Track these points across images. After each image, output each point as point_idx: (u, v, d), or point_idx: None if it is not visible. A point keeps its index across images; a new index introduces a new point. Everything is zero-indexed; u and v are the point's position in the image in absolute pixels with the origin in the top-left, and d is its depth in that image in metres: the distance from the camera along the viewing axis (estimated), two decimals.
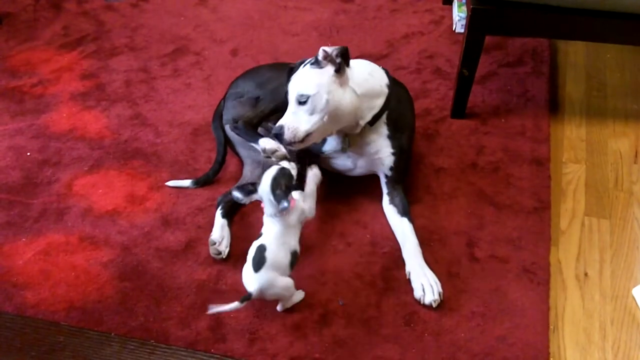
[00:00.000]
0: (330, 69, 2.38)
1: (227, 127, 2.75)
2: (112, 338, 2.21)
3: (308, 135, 2.40)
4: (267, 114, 2.63)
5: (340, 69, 2.38)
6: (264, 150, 2.46)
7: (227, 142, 2.77)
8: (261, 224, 2.38)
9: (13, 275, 2.39)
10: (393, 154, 2.54)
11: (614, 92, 3.19)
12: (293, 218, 2.25)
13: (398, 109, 2.56)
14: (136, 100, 3.09)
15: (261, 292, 2.17)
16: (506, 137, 2.90)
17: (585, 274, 2.43)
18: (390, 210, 2.56)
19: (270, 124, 2.61)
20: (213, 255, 2.43)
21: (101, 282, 2.37)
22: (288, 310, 2.27)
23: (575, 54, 3.41)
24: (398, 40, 3.46)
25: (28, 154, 2.84)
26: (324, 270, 2.41)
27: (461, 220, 2.58)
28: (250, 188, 2.27)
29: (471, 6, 2.69)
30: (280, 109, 2.51)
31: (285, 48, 3.39)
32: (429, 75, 3.22)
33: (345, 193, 2.67)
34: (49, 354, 2.19)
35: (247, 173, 2.69)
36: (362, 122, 2.48)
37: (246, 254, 2.30)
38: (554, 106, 3.09)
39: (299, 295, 2.31)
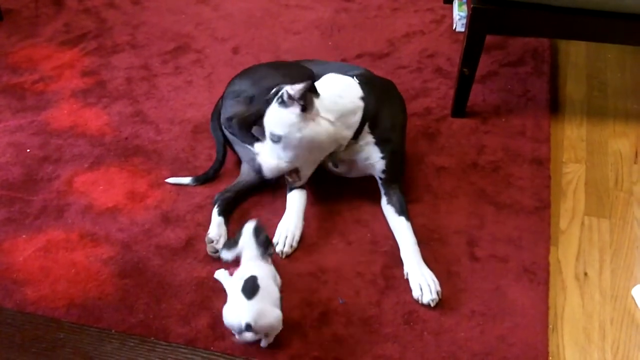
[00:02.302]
0: (296, 109, 2.35)
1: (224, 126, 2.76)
2: (112, 335, 2.22)
3: (298, 171, 2.45)
4: (261, 113, 2.63)
5: (307, 108, 2.36)
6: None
7: (226, 141, 2.77)
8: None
9: (13, 272, 2.40)
10: (383, 157, 2.53)
11: (615, 92, 3.20)
12: (270, 268, 2.26)
13: (380, 114, 2.52)
14: (137, 98, 3.09)
15: (255, 322, 2.07)
16: (507, 137, 2.90)
17: (585, 274, 2.43)
18: (388, 210, 2.56)
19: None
20: (210, 254, 2.43)
21: (101, 279, 2.37)
22: (287, 308, 2.26)
23: (576, 54, 3.41)
24: (399, 39, 3.46)
25: (28, 150, 2.84)
26: (325, 268, 2.41)
27: (461, 220, 2.58)
28: (232, 243, 2.28)
29: (472, 5, 2.69)
30: None
31: (287, 46, 3.39)
32: (429, 74, 3.23)
33: (345, 192, 2.67)
34: (49, 351, 2.19)
35: (245, 170, 2.69)
36: (345, 142, 2.48)
37: None
38: (555, 106, 3.09)
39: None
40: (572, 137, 2.95)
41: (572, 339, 2.24)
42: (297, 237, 2.49)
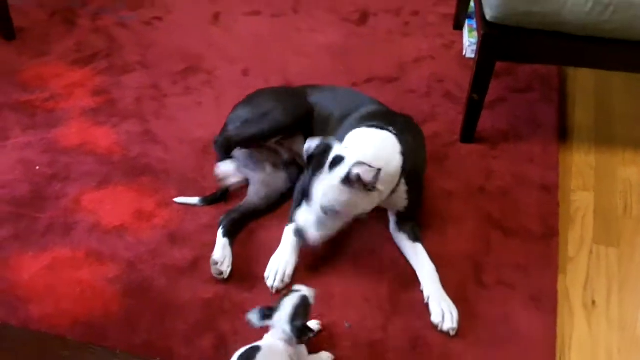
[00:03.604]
0: (360, 188, 2.28)
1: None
2: (116, 354, 2.21)
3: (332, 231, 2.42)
4: (247, 137, 2.67)
5: (371, 190, 2.30)
6: (216, 172, 2.56)
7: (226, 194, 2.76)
8: (265, 245, 2.44)
9: (18, 289, 2.39)
10: (407, 198, 2.53)
11: (623, 119, 3.19)
12: (299, 351, 2.09)
13: (413, 164, 2.50)
14: (146, 117, 3.10)
15: None
16: (515, 163, 2.90)
17: (593, 302, 2.42)
18: (401, 237, 2.55)
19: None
20: (215, 275, 2.42)
21: (106, 298, 2.37)
22: None
23: (585, 81, 3.41)
24: (408, 64, 3.46)
25: (37, 167, 2.84)
26: (332, 292, 2.40)
27: (469, 245, 2.57)
28: (267, 312, 2.08)
29: (482, 32, 2.70)
30: (264, 137, 2.64)
31: (297, 70, 3.40)
32: (438, 99, 3.23)
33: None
34: None
35: (252, 193, 2.69)
36: (384, 199, 2.44)
37: (250, 273, 2.37)
38: (563, 133, 3.09)
39: None
40: (580, 164, 2.95)
41: None
42: (288, 272, 2.44)
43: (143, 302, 2.36)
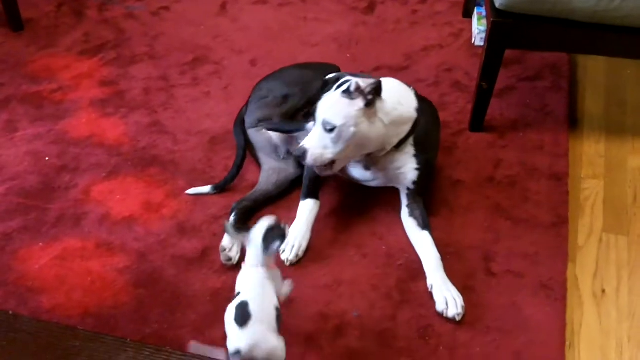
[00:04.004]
0: (360, 102, 2.35)
1: (251, 131, 2.78)
2: (127, 344, 2.22)
3: (333, 162, 2.42)
4: (300, 107, 2.69)
5: (371, 104, 2.36)
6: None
7: (248, 147, 2.78)
8: None
9: (29, 280, 2.40)
10: (417, 169, 2.54)
11: (634, 108, 3.18)
12: (273, 274, 2.12)
13: (425, 130, 2.56)
14: (155, 108, 3.10)
15: (251, 348, 1.95)
16: (524, 152, 2.89)
17: (603, 291, 2.41)
18: (410, 223, 2.55)
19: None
20: (224, 262, 2.43)
21: (117, 289, 2.38)
22: (302, 321, 2.26)
23: (595, 70, 3.40)
24: (417, 53, 3.45)
25: (46, 159, 2.85)
26: (340, 281, 2.40)
27: (477, 234, 2.57)
28: (242, 227, 2.24)
29: (491, 19, 2.69)
30: (313, 102, 2.53)
31: (304, 59, 3.38)
32: (447, 88, 3.22)
33: (361, 204, 2.66)
34: (64, 358, 2.19)
35: (264, 179, 2.70)
36: (389, 147, 2.49)
37: None
38: (573, 121, 3.08)
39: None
40: (590, 153, 2.94)
41: (589, 356, 2.22)
42: (303, 247, 2.48)
43: (153, 293, 2.37)
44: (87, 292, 2.37)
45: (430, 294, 2.35)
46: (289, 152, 2.72)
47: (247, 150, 2.76)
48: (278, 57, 3.41)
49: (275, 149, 2.74)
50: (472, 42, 3.52)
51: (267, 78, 2.89)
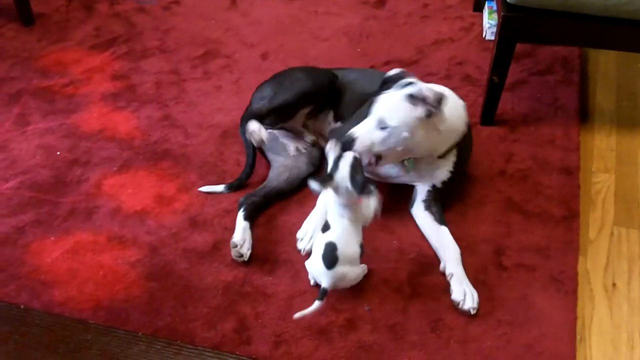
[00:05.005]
0: (421, 110, 2.36)
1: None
2: (139, 337, 2.23)
3: (379, 157, 2.43)
4: (275, 107, 2.68)
5: (431, 115, 2.37)
6: (249, 133, 2.58)
7: (249, 174, 2.76)
8: (285, 228, 2.48)
9: (41, 273, 2.41)
10: (451, 172, 2.58)
11: None
12: (362, 212, 2.28)
13: (467, 140, 2.61)
14: (166, 102, 3.11)
15: (335, 286, 2.25)
16: (535, 145, 2.89)
17: (614, 284, 2.41)
18: (425, 217, 2.55)
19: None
20: (235, 258, 2.43)
21: (128, 282, 2.39)
22: (314, 314, 2.26)
23: (606, 64, 3.39)
24: (428, 47, 3.45)
25: (58, 153, 2.86)
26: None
27: (489, 228, 2.57)
28: (326, 178, 2.24)
29: (502, 13, 2.69)
30: (291, 105, 2.64)
31: (315, 53, 3.40)
32: (458, 82, 3.21)
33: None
34: (76, 352, 2.20)
35: (274, 176, 2.70)
36: (435, 155, 2.52)
37: (270, 256, 2.40)
38: (584, 115, 3.07)
39: (364, 270, 2.37)
40: (601, 146, 2.93)
41: (600, 349, 2.22)
42: None
43: (165, 286, 2.38)
44: (99, 285, 2.37)
45: (444, 288, 2.35)
46: (297, 149, 2.73)
47: (255, 148, 2.75)
48: (289, 51, 3.41)
49: (283, 146, 2.74)
50: (483, 36, 3.51)
51: (268, 79, 2.87)
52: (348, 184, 2.20)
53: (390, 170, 2.60)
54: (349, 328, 2.25)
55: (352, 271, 2.28)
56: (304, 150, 2.74)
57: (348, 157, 2.25)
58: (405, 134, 2.37)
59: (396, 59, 3.35)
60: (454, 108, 2.51)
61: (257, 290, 2.36)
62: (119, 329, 2.25)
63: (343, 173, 2.22)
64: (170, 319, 2.28)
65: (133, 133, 2.95)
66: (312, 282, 2.36)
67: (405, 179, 2.61)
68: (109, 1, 3.78)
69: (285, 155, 2.73)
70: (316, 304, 2.19)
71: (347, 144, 2.37)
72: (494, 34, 3.22)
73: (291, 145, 2.75)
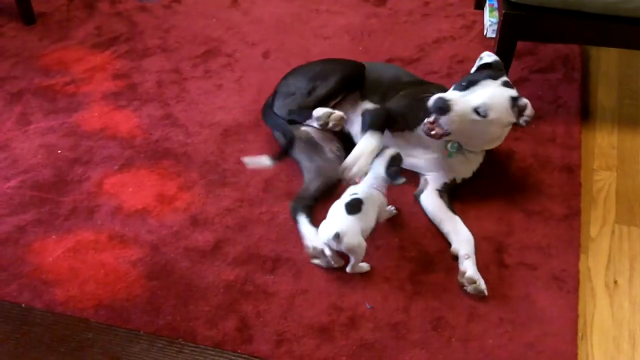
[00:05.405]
0: (513, 117, 2.45)
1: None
2: (140, 336, 2.23)
3: (447, 134, 2.47)
4: (322, 98, 2.70)
5: (517, 124, 2.46)
6: (318, 118, 2.56)
7: (291, 148, 2.73)
8: (287, 227, 2.51)
9: (42, 272, 2.41)
10: (474, 171, 2.64)
11: None
12: (383, 200, 2.46)
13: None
14: (167, 101, 3.11)
15: (344, 235, 2.29)
16: (537, 144, 2.89)
17: (615, 282, 2.41)
18: (438, 204, 2.58)
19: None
20: (323, 265, 2.42)
21: (130, 281, 2.39)
22: (315, 313, 2.27)
23: (607, 61, 3.39)
24: (429, 45, 3.45)
25: (59, 152, 2.86)
26: (353, 273, 2.40)
27: (490, 226, 2.57)
28: (396, 168, 2.45)
29: (503, 11, 2.69)
30: (334, 94, 2.69)
31: (317, 51, 3.39)
32: (459, 80, 3.20)
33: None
34: (77, 351, 2.20)
35: (312, 178, 2.68)
36: (476, 150, 2.60)
37: (272, 254, 2.41)
38: (585, 113, 3.07)
39: (365, 266, 2.40)
40: (603, 144, 2.93)
41: (602, 347, 2.22)
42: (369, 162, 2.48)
43: (166, 285, 2.37)
44: (100, 284, 2.38)
45: (445, 287, 2.36)
46: (332, 151, 2.74)
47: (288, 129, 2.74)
48: (290, 49, 3.41)
49: (318, 148, 2.74)
50: (484, 34, 3.51)
51: (293, 74, 2.89)
52: (382, 171, 2.44)
53: (418, 162, 2.67)
54: (350, 326, 2.25)
55: (360, 236, 2.33)
56: (337, 152, 2.73)
57: (388, 152, 2.47)
58: (491, 128, 2.46)
59: (398, 57, 3.35)
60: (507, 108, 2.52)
61: (258, 289, 2.36)
62: (121, 328, 2.25)
63: (380, 164, 2.45)
64: (171, 317, 2.28)
65: (134, 132, 2.95)
66: (310, 250, 2.41)
67: (427, 169, 2.66)
68: (110, 0, 3.78)
69: (322, 156, 2.72)
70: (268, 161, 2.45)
71: (441, 109, 2.40)
72: (495, 32, 3.22)
73: (326, 147, 2.74)
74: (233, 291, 2.35)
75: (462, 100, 2.42)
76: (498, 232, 2.55)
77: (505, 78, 2.49)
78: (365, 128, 2.53)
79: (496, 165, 2.79)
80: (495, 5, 3.43)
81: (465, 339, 2.22)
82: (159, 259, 2.46)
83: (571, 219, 2.59)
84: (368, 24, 3.60)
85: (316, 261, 2.42)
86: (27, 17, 3.57)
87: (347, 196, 2.40)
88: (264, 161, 2.65)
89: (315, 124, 2.64)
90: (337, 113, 2.57)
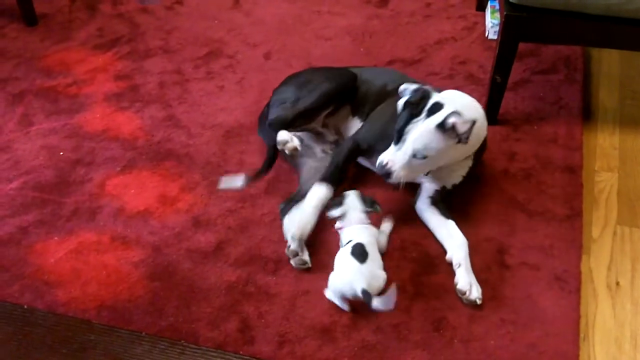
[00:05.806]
0: (454, 138, 2.36)
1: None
2: (142, 337, 2.23)
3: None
4: (301, 111, 2.68)
5: (462, 141, 2.39)
6: (278, 143, 2.55)
7: (279, 151, 2.70)
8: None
9: (44, 274, 2.42)
10: (464, 176, 2.59)
11: None
12: (373, 231, 2.44)
13: (483, 145, 2.60)
14: (169, 102, 3.11)
15: (369, 287, 2.23)
16: (538, 144, 2.89)
17: (617, 283, 2.41)
18: (432, 212, 2.56)
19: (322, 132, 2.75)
20: (298, 267, 2.43)
21: (132, 282, 2.39)
22: (317, 314, 2.27)
23: (609, 62, 3.39)
24: (431, 46, 3.45)
25: (61, 153, 2.86)
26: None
27: (492, 227, 2.57)
28: (339, 200, 2.47)
29: (505, 13, 2.68)
30: (316, 108, 2.66)
31: (318, 53, 3.40)
32: (461, 81, 3.21)
33: (374, 197, 2.65)
34: (79, 352, 2.20)
35: (306, 179, 2.67)
36: (458, 159, 2.54)
37: (274, 256, 2.41)
38: (587, 114, 3.07)
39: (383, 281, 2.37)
40: (604, 145, 2.93)
41: (603, 348, 2.22)
42: (307, 232, 2.45)
43: (168, 286, 2.38)
44: (102, 285, 2.38)
45: (446, 288, 2.36)
46: (324, 151, 2.74)
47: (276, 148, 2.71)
48: (292, 51, 3.41)
49: (309, 149, 2.75)
50: (486, 35, 3.51)
51: (286, 81, 2.89)
52: (360, 206, 2.45)
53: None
54: (352, 328, 2.25)
55: (381, 274, 2.32)
56: (329, 151, 2.73)
57: (352, 192, 2.50)
58: (443, 157, 2.42)
59: (399, 58, 3.35)
60: (481, 122, 2.49)
61: (260, 290, 2.36)
62: (123, 329, 2.25)
63: (351, 199, 2.47)
64: (173, 318, 2.28)
65: (136, 133, 2.95)
66: (337, 302, 2.32)
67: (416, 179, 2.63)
68: (112, 1, 3.79)
69: (313, 157, 2.72)
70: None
71: (386, 174, 2.41)
72: (496, 33, 3.22)
73: (317, 147, 2.74)
74: (235, 292, 2.35)
75: (397, 156, 2.40)
76: (500, 232, 2.55)
77: (427, 105, 2.40)
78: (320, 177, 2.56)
79: (497, 166, 2.79)
80: (497, 6, 3.44)
81: (466, 339, 2.22)
82: (161, 260, 2.46)
83: (573, 220, 2.59)
84: (370, 25, 3.60)
85: (292, 261, 2.42)
86: (29, 18, 3.58)
87: (346, 246, 2.36)
88: (236, 182, 2.66)
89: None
90: (292, 144, 2.54)
